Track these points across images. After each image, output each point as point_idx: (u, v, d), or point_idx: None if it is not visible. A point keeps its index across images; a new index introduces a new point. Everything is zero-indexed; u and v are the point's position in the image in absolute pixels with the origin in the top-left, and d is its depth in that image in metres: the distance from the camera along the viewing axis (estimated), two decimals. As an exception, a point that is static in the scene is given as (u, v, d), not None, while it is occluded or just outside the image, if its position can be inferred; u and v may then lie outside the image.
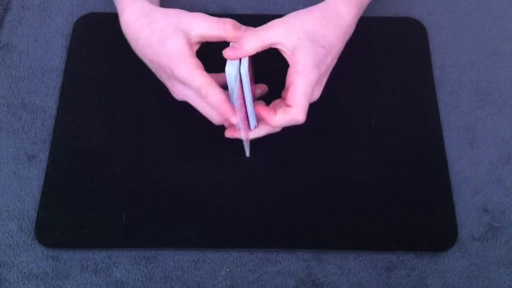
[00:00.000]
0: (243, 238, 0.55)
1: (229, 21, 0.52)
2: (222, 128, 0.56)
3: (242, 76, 0.50)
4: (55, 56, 0.64)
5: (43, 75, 0.63)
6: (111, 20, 0.65)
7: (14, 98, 0.62)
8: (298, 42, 0.51)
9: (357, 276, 0.55)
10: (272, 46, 0.52)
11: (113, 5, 0.65)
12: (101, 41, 0.65)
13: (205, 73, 0.51)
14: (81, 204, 0.56)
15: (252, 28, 0.53)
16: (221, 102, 0.51)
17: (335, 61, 0.55)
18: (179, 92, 0.54)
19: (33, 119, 0.61)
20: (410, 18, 0.67)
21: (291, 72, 0.52)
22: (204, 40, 0.53)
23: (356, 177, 0.58)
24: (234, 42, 0.52)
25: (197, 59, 0.52)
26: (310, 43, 0.51)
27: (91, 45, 0.64)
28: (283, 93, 0.54)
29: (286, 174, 0.58)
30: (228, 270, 0.55)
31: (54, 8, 0.67)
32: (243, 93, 0.51)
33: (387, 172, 0.58)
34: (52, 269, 0.54)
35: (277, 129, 0.55)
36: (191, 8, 0.67)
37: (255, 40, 0.51)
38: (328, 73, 0.55)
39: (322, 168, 0.58)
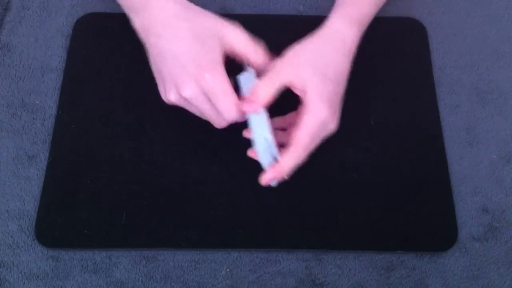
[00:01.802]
0: (243, 238, 0.55)
1: (262, 47, 0.53)
2: (222, 128, 0.56)
3: (266, 137, 0.52)
4: (55, 56, 0.64)
5: (43, 75, 0.63)
6: (111, 20, 0.65)
7: (14, 98, 0.62)
8: (308, 78, 0.51)
9: (357, 276, 0.55)
10: (285, 88, 0.52)
11: (113, 5, 0.65)
12: (101, 41, 0.64)
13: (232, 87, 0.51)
14: (81, 204, 0.56)
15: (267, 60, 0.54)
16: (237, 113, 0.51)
17: (346, 85, 0.55)
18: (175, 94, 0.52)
19: (33, 119, 0.61)
20: (410, 18, 0.67)
21: (301, 110, 0.52)
22: (231, 55, 0.53)
23: (356, 177, 0.58)
24: (252, 68, 0.53)
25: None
26: (320, 78, 0.52)
27: (91, 45, 0.64)
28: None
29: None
30: (228, 270, 0.55)
31: (54, 8, 0.67)
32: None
33: (387, 172, 0.58)
34: (52, 269, 0.54)
35: (302, 156, 0.53)
36: (191, 8, 0.67)
37: (267, 87, 0.51)
38: (342, 100, 0.55)
39: (322, 168, 0.58)
